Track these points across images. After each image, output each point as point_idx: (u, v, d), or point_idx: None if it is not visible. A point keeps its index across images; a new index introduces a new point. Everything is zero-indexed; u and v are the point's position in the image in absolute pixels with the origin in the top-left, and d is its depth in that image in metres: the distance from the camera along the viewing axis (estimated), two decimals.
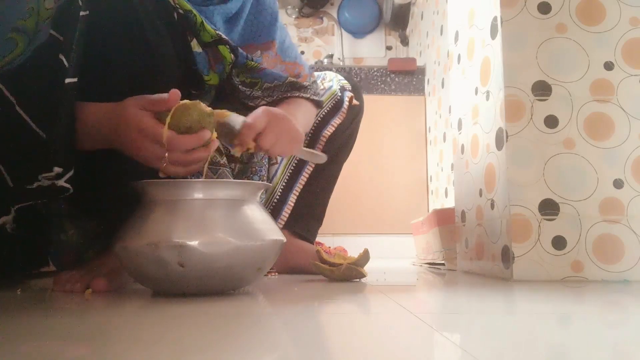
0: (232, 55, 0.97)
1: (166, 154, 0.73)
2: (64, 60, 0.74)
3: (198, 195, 0.74)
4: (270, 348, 0.45)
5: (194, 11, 0.91)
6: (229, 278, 0.75)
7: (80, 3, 0.76)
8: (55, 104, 0.74)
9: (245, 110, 1.07)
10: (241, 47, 1.03)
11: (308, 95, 1.12)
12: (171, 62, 0.87)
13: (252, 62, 1.01)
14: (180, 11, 0.89)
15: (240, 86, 1.03)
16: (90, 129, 0.77)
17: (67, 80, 0.74)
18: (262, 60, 1.05)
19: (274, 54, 1.08)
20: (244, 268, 0.74)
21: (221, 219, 0.73)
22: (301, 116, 1.06)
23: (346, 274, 0.98)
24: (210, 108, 0.76)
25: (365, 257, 1.00)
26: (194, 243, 0.70)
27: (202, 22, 0.92)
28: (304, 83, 1.12)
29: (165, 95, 0.74)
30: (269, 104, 1.05)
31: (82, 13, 0.77)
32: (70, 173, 0.77)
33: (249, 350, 0.43)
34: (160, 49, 0.85)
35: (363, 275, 0.99)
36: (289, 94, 1.09)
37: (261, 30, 1.06)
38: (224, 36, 0.95)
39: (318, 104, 1.16)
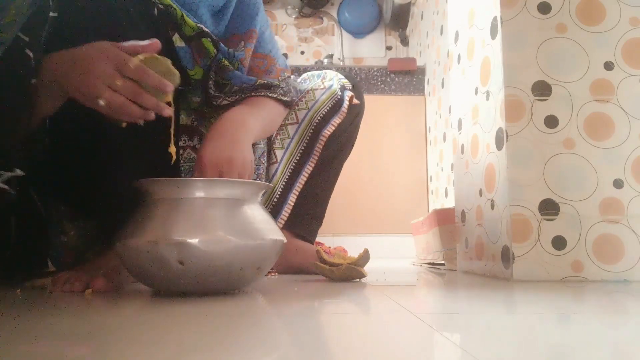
0: (215, 49, 0.96)
1: (119, 80, 0.71)
2: (30, 55, 0.74)
3: (199, 194, 0.74)
4: (270, 348, 0.45)
5: (174, 5, 0.91)
6: (228, 277, 0.75)
7: (51, 3, 0.76)
8: (19, 105, 0.73)
9: (211, 111, 1.06)
10: (226, 38, 1.03)
11: (275, 95, 1.08)
12: None
13: (225, 61, 1.00)
14: (160, 6, 0.89)
15: (210, 84, 1.00)
16: (49, 80, 0.75)
17: (33, 81, 0.74)
18: (245, 55, 1.04)
19: (253, 44, 1.07)
20: (243, 267, 0.74)
21: (222, 217, 0.73)
22: (260, 119, 1.02)
23: (346, 274, 0.98)
24: (175, 70, 0.77)
25: (365, 257, 1.00)
26: (193, 241, 0.70)
27: (182, 15, 0.91)
28: (274, 81, 1.08)
29: (144, 42, 0.73)
30: (230, 104, 1.03)
31: (51, 14, 0.76)
32: (9, 174, 0.75)
33: (249, 350, 0.43)
34: None
35: (363, 275, 0.99)
36: (253, 93, 1.06)
37: (244, 20, 1.06)
38: (205, 28, 0.95)
39: (287, 104, 1.13)
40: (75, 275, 0.83)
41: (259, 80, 1.05)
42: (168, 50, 0.90)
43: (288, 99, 1.12)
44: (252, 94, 1.05)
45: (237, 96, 1.04)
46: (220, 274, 0.73)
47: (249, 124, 0.96)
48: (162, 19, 0.90)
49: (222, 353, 0.42)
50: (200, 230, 0.71)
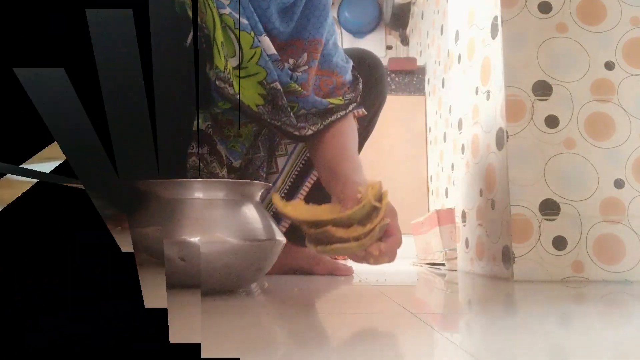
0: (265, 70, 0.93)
1: None
2: None
3: (198, 194, 0.74)
4: (270, 348, 0.45)
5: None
6: (228, 278, 0.74)
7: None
8: None
9: (290, 139, 1.09)
10: (290, 41, 0.99)
11: (344, 112, 1.04)
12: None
13: (295, 85, 0.96)
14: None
15: (292, 116, 0.98)
16: None
17: None
18: (307, 78, 0.99)
19: (317, 61, 1.01)
20: (243, 268, 0.74)
21: (221, 218, 0.73)
22: (351, 143, 1.04)
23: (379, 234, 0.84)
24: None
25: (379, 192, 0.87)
26: (192, 241, 0.70)
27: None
28: (340, 103, 1.04)
29: None
30: (315, 133, 1.02)
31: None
32: None
33: (249, 350, 0.43)
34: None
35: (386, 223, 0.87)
36: (329, 118, 1.03)
37: (312, 23, 1.00)
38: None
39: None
40: None
41: (330, 104, 1.02)
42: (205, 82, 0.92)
43: (357, 107, 1.10)
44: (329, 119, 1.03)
45: (320, 124, 1.02)
46: (220, 274, 0.73)
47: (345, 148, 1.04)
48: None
49: (221, 353, 0.42)
50: (199, 231, 0.71)
